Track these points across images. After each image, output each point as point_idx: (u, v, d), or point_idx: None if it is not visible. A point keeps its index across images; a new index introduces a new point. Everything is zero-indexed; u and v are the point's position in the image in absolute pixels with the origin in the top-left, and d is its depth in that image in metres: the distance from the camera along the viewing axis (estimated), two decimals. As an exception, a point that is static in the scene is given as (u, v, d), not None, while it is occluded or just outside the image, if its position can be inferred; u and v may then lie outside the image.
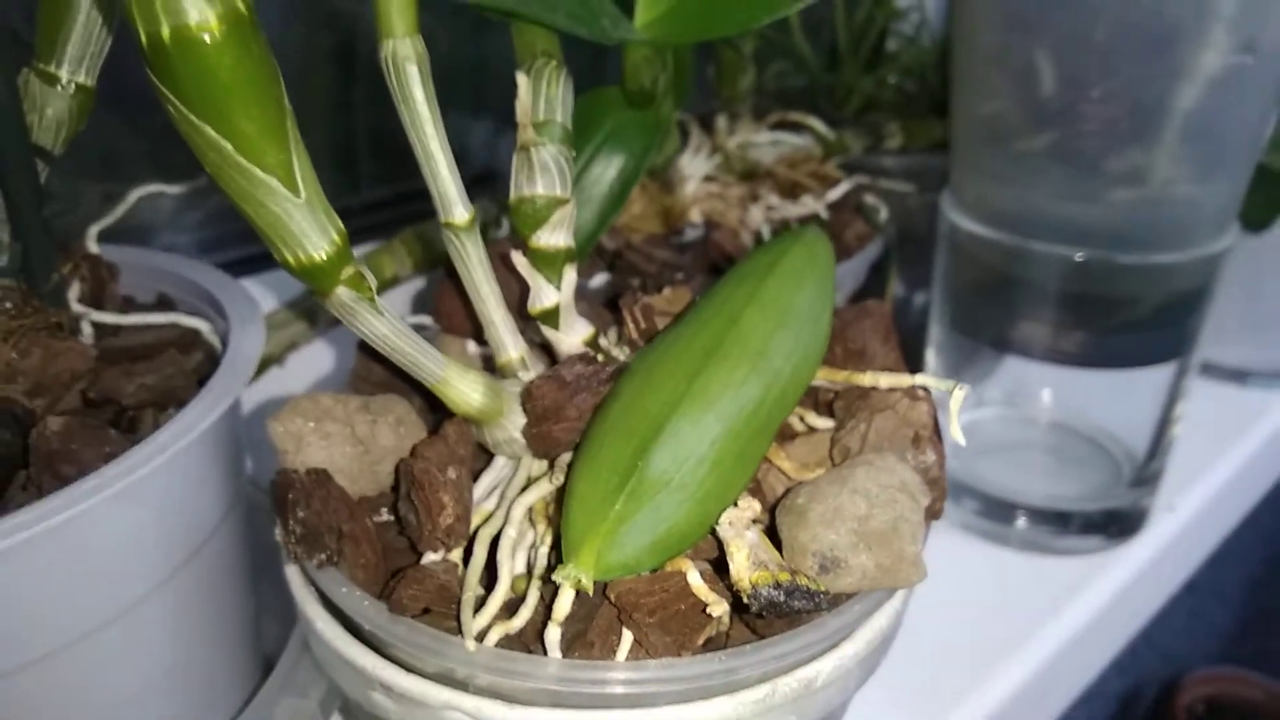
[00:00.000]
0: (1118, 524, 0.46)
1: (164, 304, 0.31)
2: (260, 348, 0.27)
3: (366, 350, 0.29)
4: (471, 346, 0.30)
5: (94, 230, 0.32)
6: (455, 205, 0.24)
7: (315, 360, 0.43)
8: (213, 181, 0.20)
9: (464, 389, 0.23)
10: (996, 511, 0.46)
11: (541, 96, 0.24)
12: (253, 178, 0.20)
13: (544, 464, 0.24)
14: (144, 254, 0.33)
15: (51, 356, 0.26)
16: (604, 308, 0.32)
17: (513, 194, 0.24)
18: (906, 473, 0.23)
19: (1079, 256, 0.39)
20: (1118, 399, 0.46)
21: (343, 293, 0.21)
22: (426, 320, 0.32)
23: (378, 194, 0.55)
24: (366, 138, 0.55)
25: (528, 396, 0.23)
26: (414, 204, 0.54)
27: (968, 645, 0.41)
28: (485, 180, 0.59)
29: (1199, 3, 0.34)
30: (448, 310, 0.30)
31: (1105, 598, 0.44)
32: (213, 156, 0.20)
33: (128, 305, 0.31)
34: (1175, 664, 1.04)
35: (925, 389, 0.25)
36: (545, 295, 0.25)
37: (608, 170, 0.32)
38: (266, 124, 0.19)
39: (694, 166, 0.44)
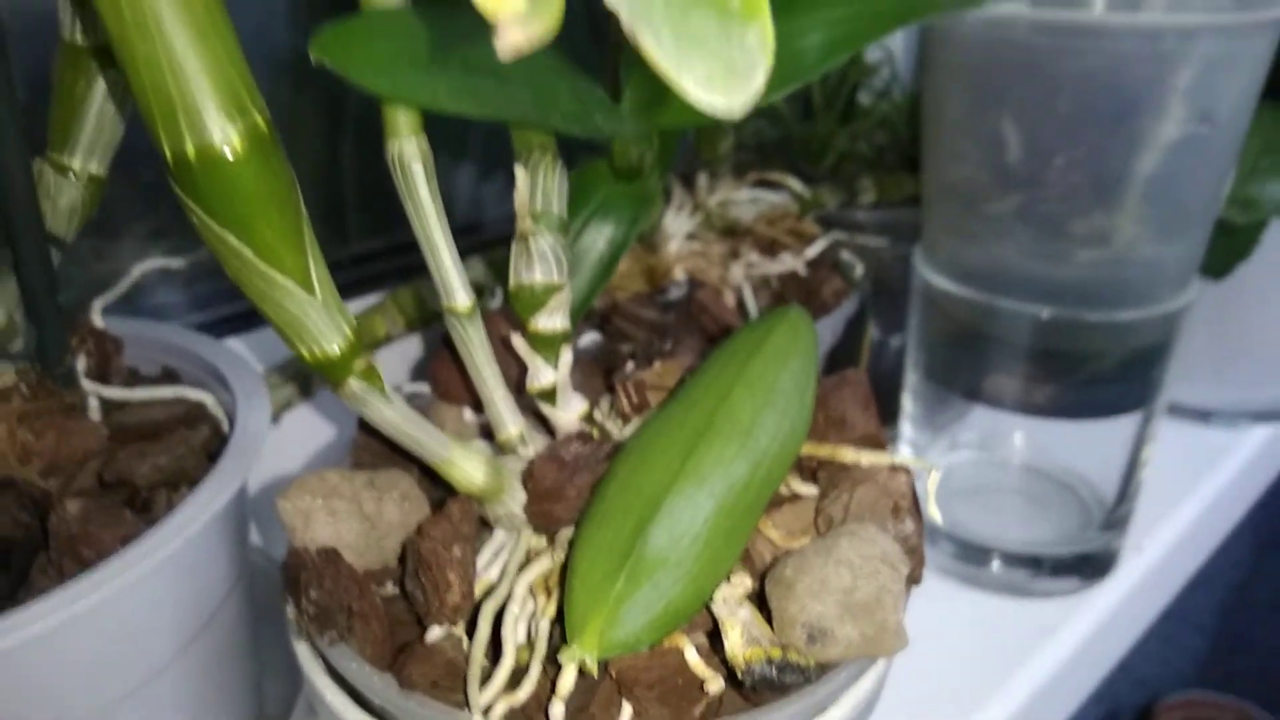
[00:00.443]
0: (1090, 566, 0.47)
1: (169, 376, 0.32)
2: (267, 425, 0.28)
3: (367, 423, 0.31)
4: (468, 415, 0.31)
5: (98, 305, 0.33)
6: (458, 292, 0.25)
7: (309, 420, 0.44)
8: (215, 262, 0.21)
9: (468, 469, 0.24)
10: (972, 555, 0.48)
11: (539, 189, 0.25)
12: (272, 281, 0.21)
13: (542, 536, 0.26)
14: (146, 326, 0.34)
15: (65, 437, 0.27)
16: (594, 367, 0.33)
17: (512, 281, 0.25)
18: (888, 543, 0.24)
19: (1046, 314, 0.41)
20: (1087, 444, 0.48)
21: (355, 384, 0.22)
22: (423, 388, 0.33)
23: (367, 247, 0.56)
24: (355, 190, 0.56)
25: (529, 477, 0.24)
26: (403, 257, 0.55)
27: (946, 688, 0.42)
28: (470, 231, 0.60)
29: (1157, 77, 0.36)
30: (444, 380, 0.31)
31: (1079, 638, 0.46)
32: (234, 262, 0.21)
33: (133, 379, 0.32)
34: (1150, 689, 1.05)
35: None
36: (543, 375, 0.26)
37: (598, 240, 0.34)
38: (285, 231, 0.21)
39: (677, 225, 0.46)
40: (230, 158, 0.19)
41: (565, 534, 0.25)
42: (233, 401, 0.31)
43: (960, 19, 0.38)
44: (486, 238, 0.59)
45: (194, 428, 0.29)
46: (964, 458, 0.53)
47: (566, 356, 0.26)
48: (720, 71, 0.11)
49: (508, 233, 0.26)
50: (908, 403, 0.51)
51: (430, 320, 0.45)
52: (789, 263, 0.45)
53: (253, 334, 0.46)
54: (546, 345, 0.26)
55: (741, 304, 0.43)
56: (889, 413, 0.50)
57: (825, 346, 0.45)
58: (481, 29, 0.22)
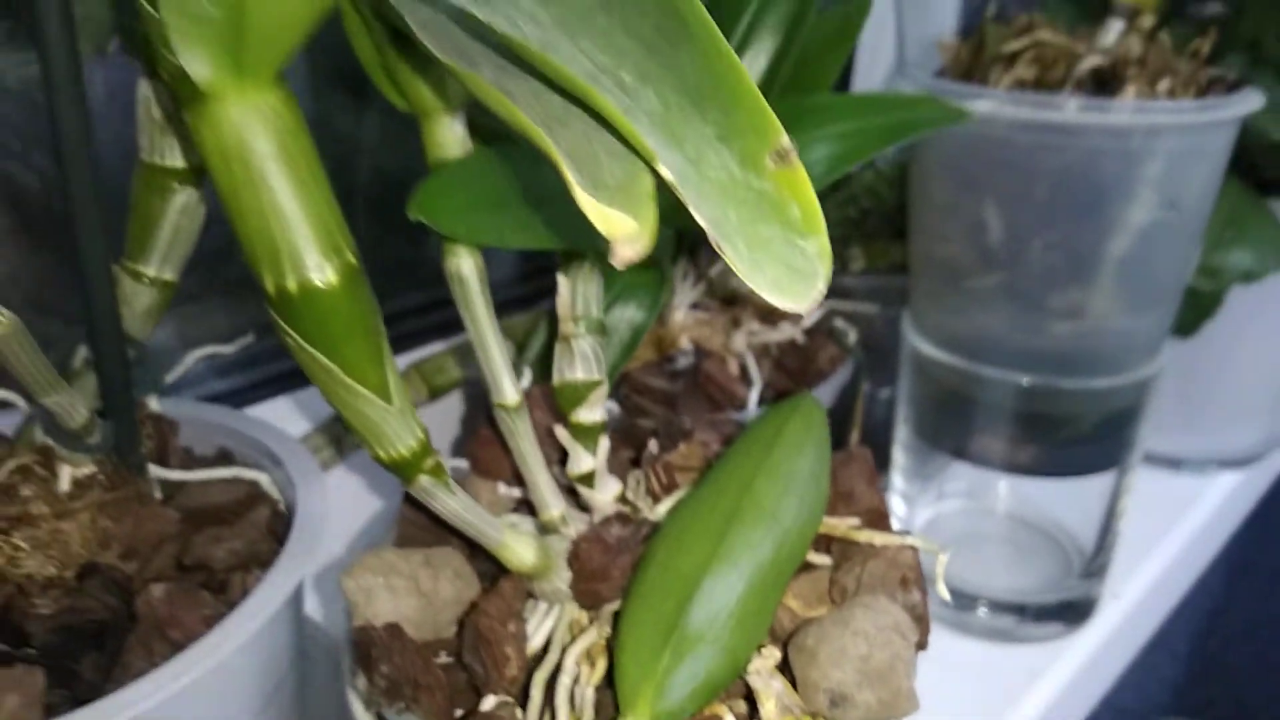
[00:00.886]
0: (1071, 612, 0.50)
1: (224, 457, 0.34)
2: (327, 506, 0.30)
3: (413, 498, 0.33)
4: (502, 489, 0.34)
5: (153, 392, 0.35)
6: (507, 391, 0.28)
7: (344, 479, 0.46)
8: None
9: (520, 551, 0.27)
10: (960, 602, 0.51)
11: (579, 295, 0.28)
12: (356, 393, 0.23)
13: (585, 610, 0.28)
14: (198, 408, 0.36)
15: (140, 522, 0.29)
16: (617, 440, 0.36)
17: (555, 378, 0.28)
18: (899, 613, 0.27)
19: (1026, 381, 0.44)
20: (1068, 496, 0.51)
21: (424, 480, 0.25)
22: (462, 464, 0.36)
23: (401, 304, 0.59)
24: (366, 257, 0.58)
25: (575, 558, 0.27)
26: (435, 314, 0.56)
27: (941, 733, 0.45)
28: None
29: (1127, 170, 0.39)
30: (484, 459, 0.34)
31: (1064, 681, 0.48)
32: (323, 376, 0.23)
33: (189, 459, 0.34)
34: (1129, 718, 1.08)
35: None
36: (583, 462, 0.29)
37: (621, 324, 0.37)
38: (369, 351, 0.23)
39: (681, 295, 0.49)
40: (327, 292, 0.22)
41: (607, 608, 0.27)
42: (284, 478, 0.33)
43: (945, 113, 0.41)
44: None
45: (254, 508, 0.31)
46: (951, 507, 0.56)
47: (604, 444, 0.29)
48: (786, 276, 0.14)
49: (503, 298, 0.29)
50: (898, 455, 0.54)
51: (448, 389, 0.48)
52: (788, 331, 0.47)
53: (261, 405, 0.48)
54: (587, 435, 0.29)
55: (745, 371, 0.46)
56: (880, 461, 0.53)
57: (825, 404, 0.48)
58: (536, 165, 0.25)
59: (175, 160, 0.28)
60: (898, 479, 0.55)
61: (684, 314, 0.49)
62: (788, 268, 0.14)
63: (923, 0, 0.69)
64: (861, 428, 0.53)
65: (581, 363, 0.28)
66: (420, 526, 0.33)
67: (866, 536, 0.28)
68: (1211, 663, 1.20)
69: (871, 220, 0.62)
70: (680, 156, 0.16)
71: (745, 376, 0.46)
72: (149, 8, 0.20)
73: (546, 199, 0.25)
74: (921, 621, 0.28)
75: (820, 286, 0.14)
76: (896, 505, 0.54)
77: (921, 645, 0.28)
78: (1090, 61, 0.40)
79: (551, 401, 0.31)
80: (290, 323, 0.23)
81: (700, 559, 0.25)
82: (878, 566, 0.28)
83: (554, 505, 0.29)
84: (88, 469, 0.30)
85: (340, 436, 0.44)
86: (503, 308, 0.30)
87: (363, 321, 0.23)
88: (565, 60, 0.17)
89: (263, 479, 0.33)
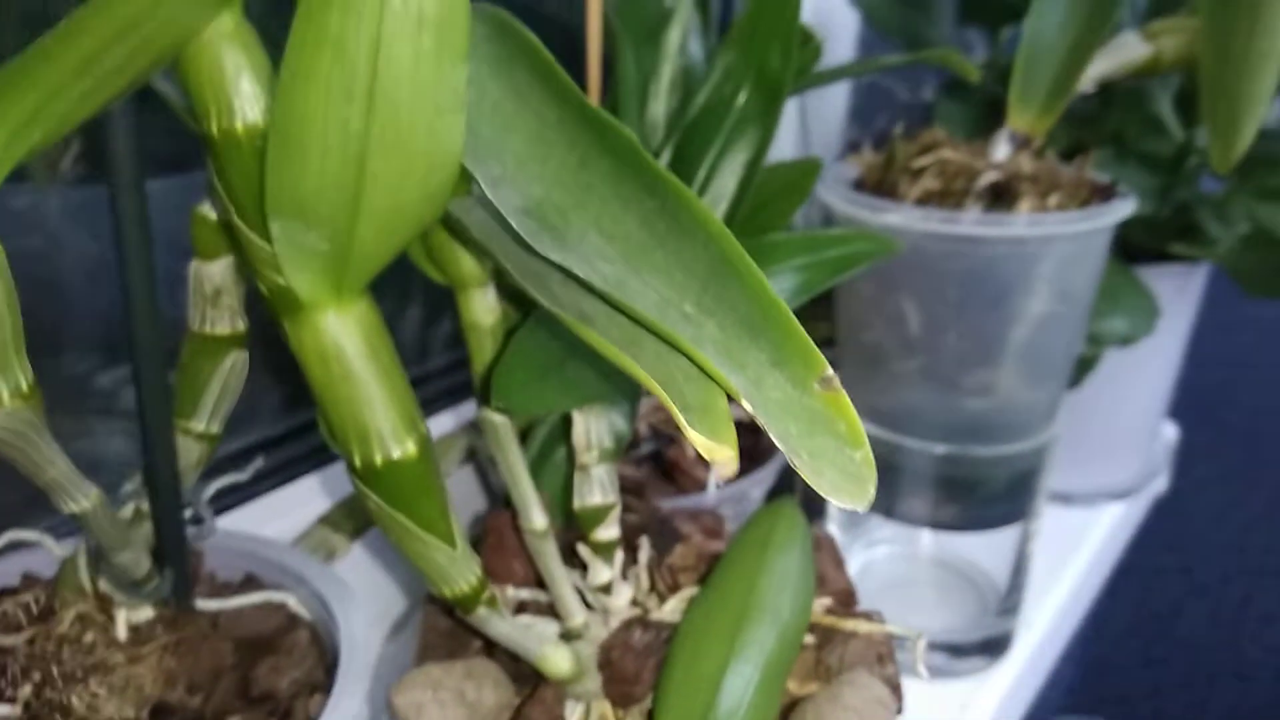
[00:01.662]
0: (992, 647, 0.57)
1: (250, 581, 0.37)
2: (369, 627, 0.34)
3: (435, 602, 0.37)
4: (510, 592, 0.38)
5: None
6: (535, 518, 0.32)
7: (355, 563, 0.49)
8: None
9: (558, 661, 0.31)
10: (897, 643, 0.56)
11: (592, 429, 0.32)
12: (427, 542, 0.27)
13: (615, 709, 0.32)
14: (222, 536, 0.39)
15: (199, 657, 0.32)
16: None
17: (576, 503, 0.32)
18: (879, 687, 0.32)
19: (942, 450, 0.50)
20: (983, 542, 0.57)
21: (482, 611, 0.29)
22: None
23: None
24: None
25: (608, 664, 0.31)
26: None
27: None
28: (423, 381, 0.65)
29: (1024, 271, 0.46)
30: (496, 567, 0.37)
31: (991, 709, 0.55)
32: (399, 531, 0.27)
33: (218, 586, 0.37)
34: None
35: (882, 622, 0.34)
36: (602, 574, 0.33)
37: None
38: (438, 507, 0.27)
39: (635, 385, 0.53)
40: (407, 462, 0.26)
41: (637, 706, 0.32)
42: (308, 595, 0.36)
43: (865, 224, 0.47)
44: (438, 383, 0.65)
45: (294, 631, 0.34)
46: (881, 553, 0.62)
47: (619, 557, 0.33)
48: (842, 480, 0.19)
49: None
50: (832, 509, 0.60)
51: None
52: (735, 412, 0.52)
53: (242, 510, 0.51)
54: (604, 550, 0.33)
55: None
56: (817, 513, 0.59)
57: (770, 484, 0.53)
58: (554, 332, 0.29)
59: (224, 329, 0.31)
60: (833, 528, 0.60)
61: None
62: (843, 473, 0.19)
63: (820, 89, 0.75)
64: (802, 491, 0.58)
65: (599, 489, 0.32)
66: (441, 633, 0.36)
67: (852, 625, 0.33)
68: (1100, 662, 1.30)
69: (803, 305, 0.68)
70: (744, 379, 0.20)
71: (702, 458, 0.51)
72: (259, 240, 0.24)
73: (569, 358, 0.30)
74: (896, 691, 0.33)
75: (870, 490, 0.19)
76: (833, 558, 0.60)
77: (899, 711, 0.33)
78: (988, 177, 0.46)
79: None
80: (374, 489, 0.26)
81: (719, 660, 0.30)
82: (858, 645, 0.33)
83: (578, 614, 0.33)
84: (146, 613, 0.32)
85: (358, 511, 0.47)
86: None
87: (432, 483, 0.27)
88: (635, 296, 0.22)
89: (290, 600, 0.36)
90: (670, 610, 0.34)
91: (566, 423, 0.34)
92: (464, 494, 0.54)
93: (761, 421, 0.20)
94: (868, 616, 0.34)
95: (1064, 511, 0.71)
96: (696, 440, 0.19)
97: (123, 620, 0.32)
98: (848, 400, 0.20)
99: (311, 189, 0.22)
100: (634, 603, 0.34)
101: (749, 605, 0.31)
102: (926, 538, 0.61)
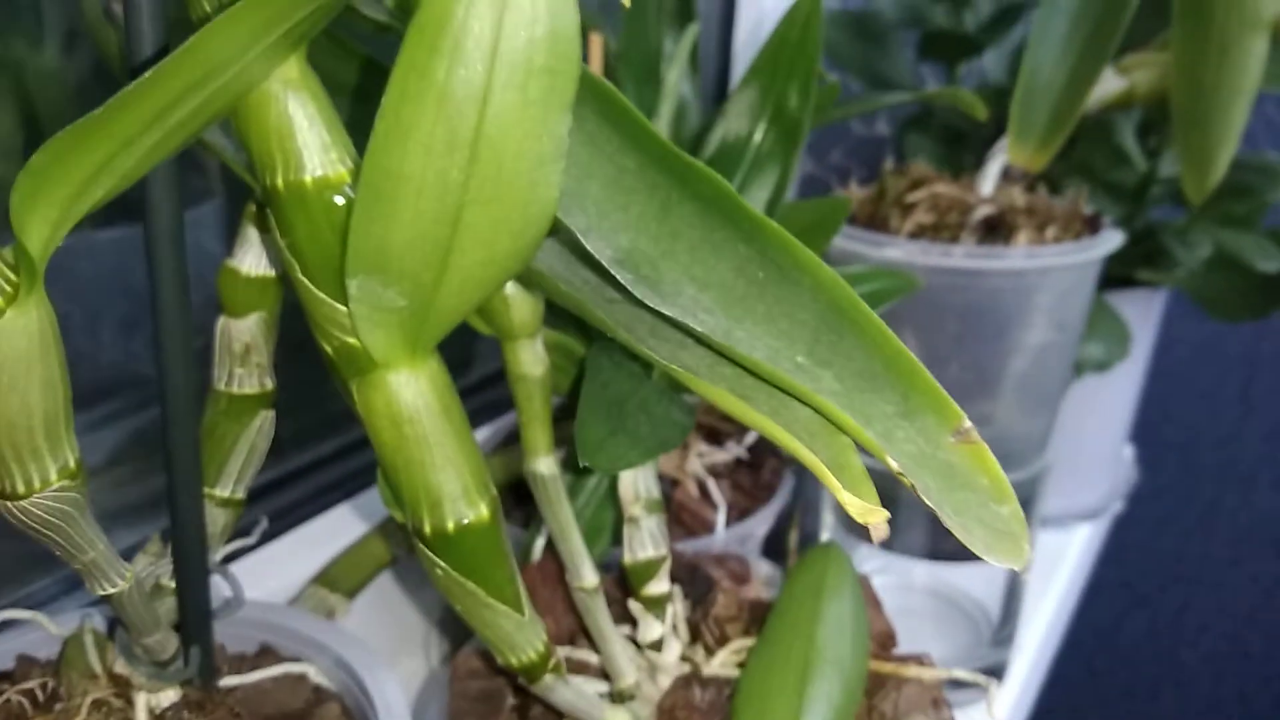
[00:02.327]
0: (990, 675, 0.57)
1: (266, 652, 0.35)
2: (402, 691, 0.32)
3: (461, 666, 0.35)
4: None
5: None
6: (586, 574, 0.31)
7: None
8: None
9: (619, 724, 0.30)
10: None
11: (639, 481, 0.31)
12: (495, 609, 0.26)
13: (673, 767, 0.31)
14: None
15: (230, 738, 0.30)
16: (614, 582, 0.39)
17: (627, 557, 0.31)
18: (938, 731, 0.31)
19: (950, 480, 0.50)
20: (976, 571, 0.58)
21: (549, 678, 0.27)
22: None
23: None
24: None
25: (672, 722, 0.30)
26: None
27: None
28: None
29: (1023, 301, 0.46)
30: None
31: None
32: (467, 598, 0.26)
33: (235, 660, 0.35)
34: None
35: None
36: (654, 630, 0.32)
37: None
38: (507, 572, 0.26)
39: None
40: (479, 527, 0.25)
41: (701, 765, 0.31)
42: (327, 663, 0.34)
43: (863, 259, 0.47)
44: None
45: (323, 705, 0.32)
46: (876, 584, 0.62)
47: (670, 610, 0.32)
48: (993, 538, 0.18)
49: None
50: (825, 538, 0.60)
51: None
52: (734, 450, 0.52)
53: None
54: (655, 605, 0.32)
55: (706, 491, 0.50)
56: (813, 536, 0.59)
57: (773, 513, 0.52)
58: (633, 382, 0.28)
59: (253, 388, 0.30)
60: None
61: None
62: (991, 530, 0.18)
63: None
64: (799, 526, 0.58)
65: (651, 541, 0.31)
66: (470, 699, 0.35)
67: (915, 672, 0.32)
68: (1048, 675, 1.33)
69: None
70: (873, 432, 0.20)
71: (707, 497, 0.50)
72: (326, 298, 0.22)
73: (627, 410, 0.29)
74: (953, 734, 0.33)
75: (1026, 547, 0.18)
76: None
77: (958, 755, 0.33)
78: (983, 211, 0.47)
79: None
80: (443, 555, 0.25)
81: (789, 716, 0.29)
82: (911, 690, 0.33)
83: (629, 674, 0.32)
84: (169, 695, 0.30)
85: (390, 540, 0.45)
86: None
87: (501, 548, 0.26)
88: (746, 346, 0.21)
89: (309, 670, 0.34)
90: (720, 664, 0.33)
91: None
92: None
93: (898, 473, 0.19)
94: (919, 660, 0.34)
95: (1041, 534, 0.72)
96: (851, 505, 0.18)
97: (143, 705, 0.30)
98: (988, 452, 0.19)
99: (399, 243, 0.21)
100: (682, 658, 0.33)
101: (811, 657, 0.31)
102: (920, 568, 0.61)
